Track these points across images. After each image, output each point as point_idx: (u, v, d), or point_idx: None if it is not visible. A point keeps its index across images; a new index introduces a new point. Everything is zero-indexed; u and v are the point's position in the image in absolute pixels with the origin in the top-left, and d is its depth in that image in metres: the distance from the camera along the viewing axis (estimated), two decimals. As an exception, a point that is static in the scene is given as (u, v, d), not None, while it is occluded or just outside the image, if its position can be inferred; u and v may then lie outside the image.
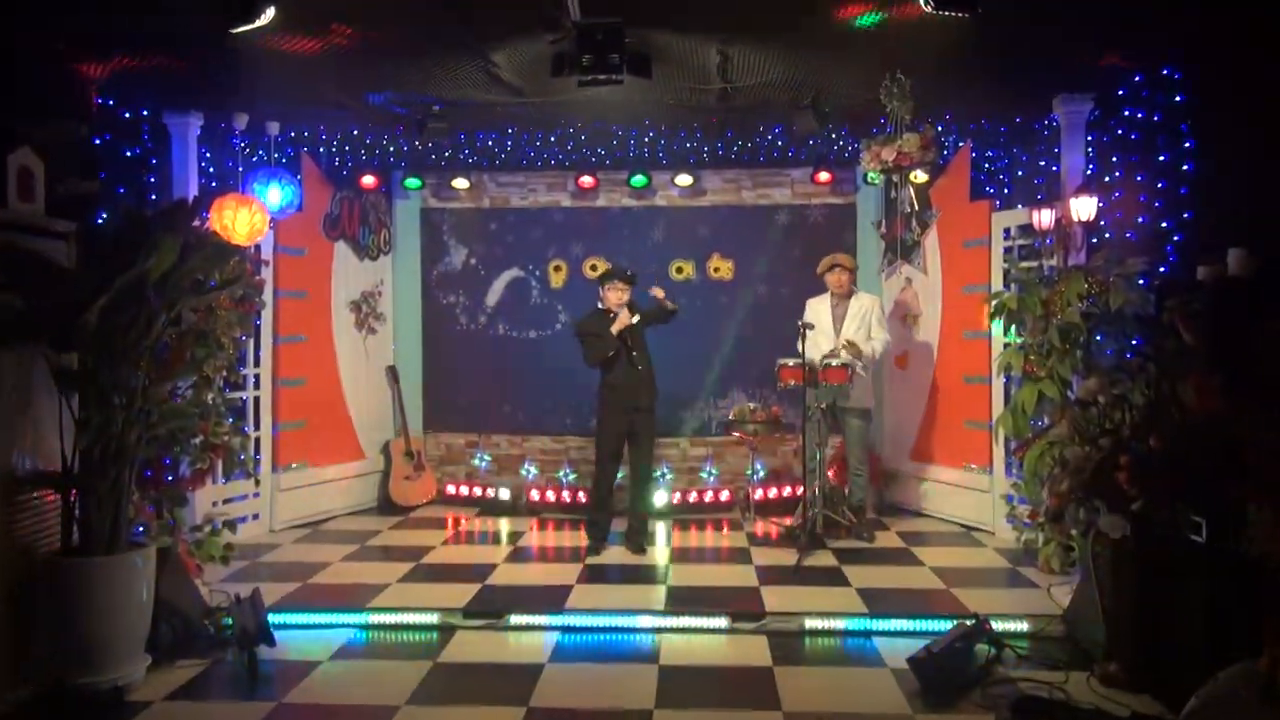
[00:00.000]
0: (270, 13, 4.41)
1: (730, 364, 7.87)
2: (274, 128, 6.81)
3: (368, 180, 7.66)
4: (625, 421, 6.12)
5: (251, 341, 6.71)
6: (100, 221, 5.24)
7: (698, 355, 7.82)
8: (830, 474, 7.16)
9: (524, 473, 7.92)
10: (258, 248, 6.68)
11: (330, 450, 7.46)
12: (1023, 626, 4.74)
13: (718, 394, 7.92)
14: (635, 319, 6.08)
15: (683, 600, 5.23)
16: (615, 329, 6.03)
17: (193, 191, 6.13)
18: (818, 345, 6.49)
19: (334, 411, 7.54)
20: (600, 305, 6.23)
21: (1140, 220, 5.70)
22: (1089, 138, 6.09)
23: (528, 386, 7.96)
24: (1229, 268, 4.33)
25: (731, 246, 7.94)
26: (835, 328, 6.58)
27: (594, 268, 7.97)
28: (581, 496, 7.52)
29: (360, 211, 7.82)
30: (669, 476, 7.78)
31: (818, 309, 6.67)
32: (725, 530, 6.98)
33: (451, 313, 8.13)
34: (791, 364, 6.27)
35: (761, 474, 7.70)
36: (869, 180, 7.08)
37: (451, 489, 7.95)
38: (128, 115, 6.01)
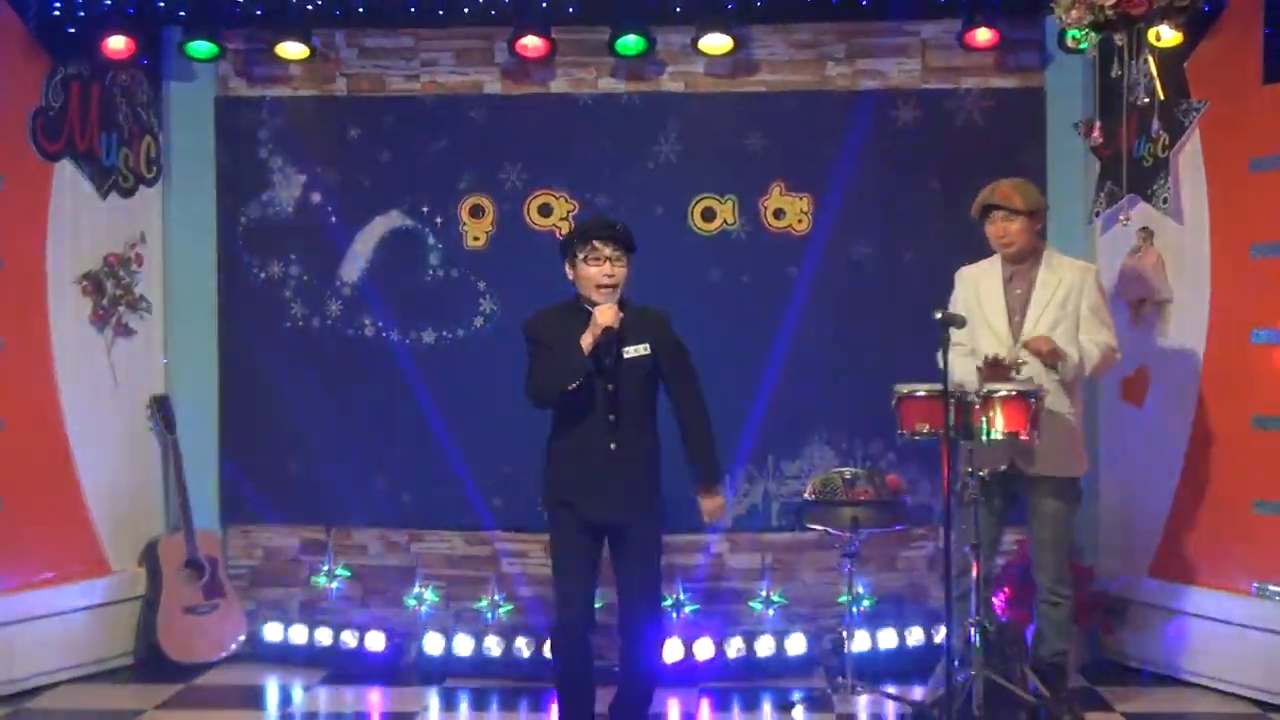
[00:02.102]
0: None
1: (804, 393, 7.92)
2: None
3: (116, 45, 7.59)
4: (590, 532, 6.06)
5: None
6: None
7: (740, 375, 7.85)
8: (998, 603, 7.18)
9: (413, 602, 7.93)
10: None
11: (44, 557, 7.44)
12: None
13: (781, 451, 7.97)
14: (616, 324, 5.89)
15: None
16: (587, 340, 5.87)
17: None
18: (975, 356, 6.49)
19: (52, 483, 7.53)
20: (580, 294, 6.06)
21: None
22: None
23: (421, 438, 7.98)
24: None
25: (806, 170, 7.96)
26: (1011, 321, 6.60)
27: (546, 210, 7.98)
28: (523, 648, 7.55)
29: (102, 105, 7.77)
30: (688, 609, 7.80)
31: (978, 286, 6.71)
32: (799, 710, 6.98)
33: (275, 296, 8.13)
34: (923, 393, 6.27)
35: (867, 603, 7.74)
36: (1071, 44, 6.92)
37: (275, 632, 7.94)
38: None
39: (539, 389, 5.96)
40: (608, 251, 5.90)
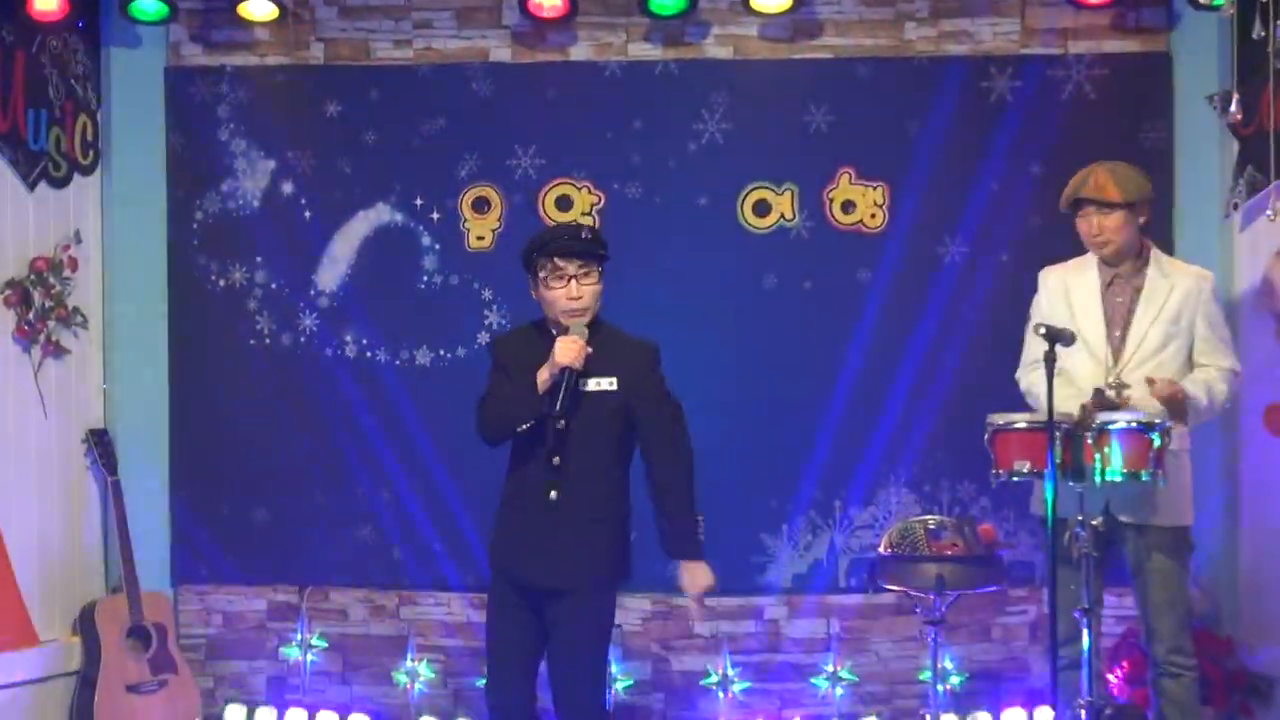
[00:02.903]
0: None
1: (879, 424, 7.95)
2: None
3: (45, 3, 7.61)
4: (525, 600, 5.99)
5: None
6: None
7: (801, 402, 7.95)
8: (1115, 679, 7.20)
9: (404, 678, 8.02)
10: None
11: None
12: None
13: (851, 495, 8.00)
14: (579, 363, 5.76)
15: None
16: (543, 376, 5.80)
17: None
18: (1078, 380, 6.44)
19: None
20: (547, 315, 6.01)
21: None
22: None
23: (414, 480, 8.07)
24: None
25: (880, 154, 8.01)
26: (1110, 336, 6.53)
27: (564, 203, 8.04)
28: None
29: (28, 76, 7.80)
30: (737, 688, 7.82)
31: (1069, 291, 6.65)
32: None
33: (237, 308, 8.20)
34: (1023, 424, 6.22)
35: (956, 681, 7.78)
36: None
37: (237, 715, 8.01)
38: None
39: (486, 423, 5.96)
40: (571, 269, 5.77)
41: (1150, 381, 6.19)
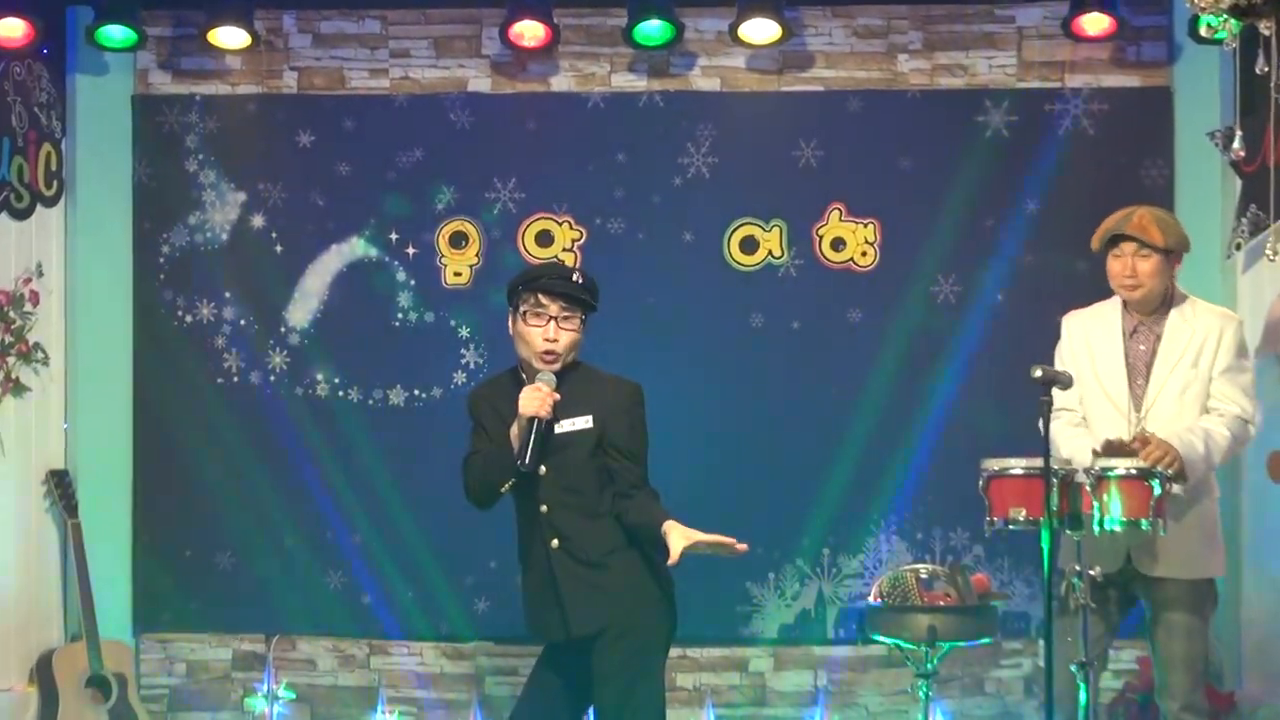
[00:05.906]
0: None
1: (869, 469, 7.95)
2: None
3: (9, 29, 7.62)
4: (556, 662, 5.84)
5: None
6: None
7: (788, 446, 7.96)
8: None
9: None
10: None
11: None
12: None
13: (840, 543, 7.97)
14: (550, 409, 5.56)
15: None
16: (514, 433, 5.65)
17: None
18: (1088, 426, 6.40)
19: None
20: (520, 359, 5.81)
21: None
22: None
23: (385, 525, 8.06)
24: None
25: (871, 189, 8.05)
26: (1132, 385, 6.46)
27: (545, 238, 8.06)
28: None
29: None
30: None
31: (1090, 338, 6.55)
32: None
33: (204, 345, 8.20)
34: (1019, 470, 6.08)
35: None
36: (1206, 33, 6.88)
37: None
38: None
39: (470, 489, 5.77)
40: (554, 309, 5.57)
41: (1145, 443, 6.05)
